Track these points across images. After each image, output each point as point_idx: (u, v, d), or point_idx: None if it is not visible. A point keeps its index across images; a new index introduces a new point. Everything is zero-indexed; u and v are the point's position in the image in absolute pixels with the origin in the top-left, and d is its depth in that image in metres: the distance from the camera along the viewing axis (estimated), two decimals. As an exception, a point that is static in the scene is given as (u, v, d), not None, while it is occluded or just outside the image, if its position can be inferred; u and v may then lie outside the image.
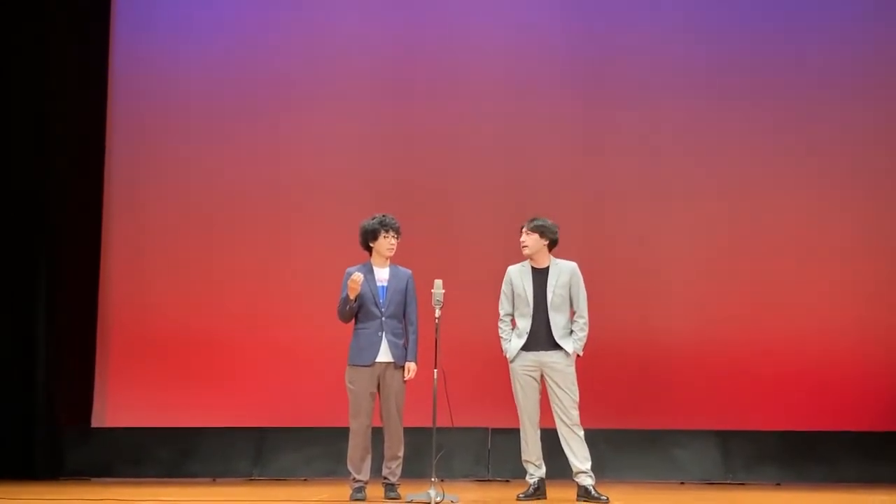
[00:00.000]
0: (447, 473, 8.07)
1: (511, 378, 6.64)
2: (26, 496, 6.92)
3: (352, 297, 6.44)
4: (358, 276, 6.40)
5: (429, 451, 6.27)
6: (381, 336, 6.51)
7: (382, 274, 6.61)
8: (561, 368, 6.51)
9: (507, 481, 8.22)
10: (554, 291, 6.56)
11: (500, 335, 6.70)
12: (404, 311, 6.61)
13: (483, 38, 9.19)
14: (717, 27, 9.13)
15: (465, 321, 8.05)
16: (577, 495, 6.50)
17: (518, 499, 6.51)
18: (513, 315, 6.67)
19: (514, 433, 6.76)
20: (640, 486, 7.99)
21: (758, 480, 8.37)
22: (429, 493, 6.09)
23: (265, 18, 9.35)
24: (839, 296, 8.76)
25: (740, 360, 8.71)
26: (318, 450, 8.57)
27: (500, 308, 6.73)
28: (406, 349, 6.58)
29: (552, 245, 6.65)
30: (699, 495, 7.31)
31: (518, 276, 6.66)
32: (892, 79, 8.96)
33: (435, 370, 6.27)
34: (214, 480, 8.45)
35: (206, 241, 9.07)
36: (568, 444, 6.50)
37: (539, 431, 6.60)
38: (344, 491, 6.69)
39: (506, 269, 6.77)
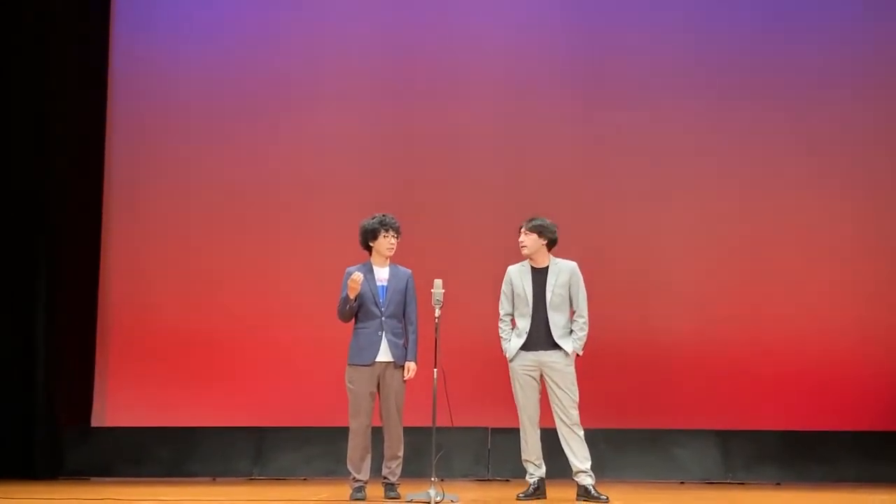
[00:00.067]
0: (447, 473, 8.08)
1: (511, 378, 6.64)
2: (26, 496, 6.93)
3: (352, 296, 6.44)
4: (358, 276, 6.40)
5: (428, 451, 6.28)
6: (381, 336, 6.51)
7: (382, 273, 6.61)
8: (560, 368, 6.51)
9: (507, 481, 8.22)
10: (553, 291, 6.56)
11: (500, 335, 6.70)
12: (404, 310, 6.61)
13: (483, 38, 9.20)
14: (717, 27, 9.14)
15: (465, 321, 8.06)
16: (577, 495, 6.50)
17: (518, 498, 6.51)
18: (513, 315, 6.68)
19: (513, 433, 6.77)
20: (640, 485, 7.99)
21: (758, 480, 8.38)
22: (428, 493, 6.09)
23: (265, 18, 9.35)
24: (839, 296, 8.77)
25: (740, 360, 8.71)
26: (317, 449, 8.58)
27: (500, 308, 6.74)
28: (406, 349, 6.58)
29: (551, 244, 6.65)
30: (699, 495, 7.32)
31: (518, 276, 6.66)
32: (892, 79, 8.98)
33: (435, 370, 6.27)
34: (214, 480, 8.45)
35: (206, 241, 9.07)
36: (568, 444, 6.51)
37: (539, 431, 6.60)
38: (344, 490, 6.69)
39: (506, 269, 6.77)
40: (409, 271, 6.71)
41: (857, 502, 6.77)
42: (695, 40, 9.14)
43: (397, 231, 6.61)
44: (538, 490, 6.57)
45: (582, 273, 6.67)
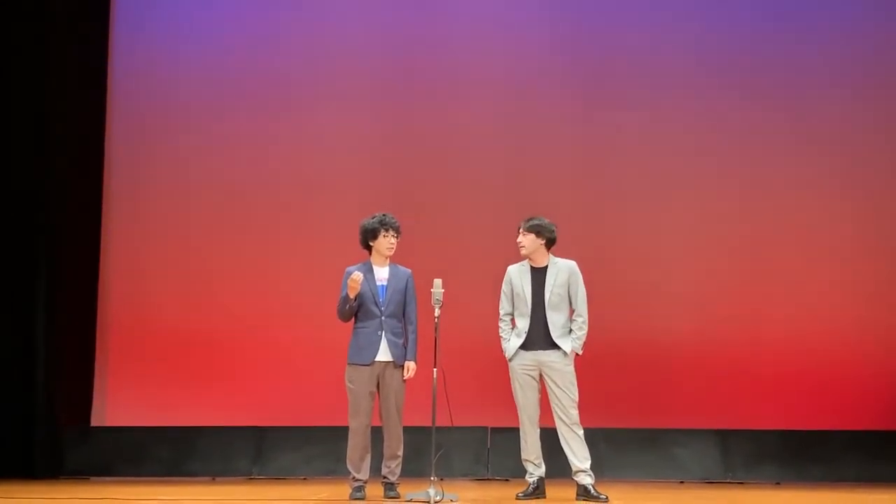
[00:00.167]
0: (447, 472, 8.08)
1: (510, 377, 6.63)
2: (26, 495, 6.92)
3: (351, 296, 6.44)
4: (358, 276, 6.40)
5: (428, 451, 6.27)
6: (381, 335, 6.51)
7: (382, 273, 6.61)
8: (559, 368, 6.50)
9: (507, 480, 8.22)
10: (552, 291, 6.56)
11: (500, 335, 6.70)
12: (404, 310, 6.61)
13: (483, 38, 9.20)
14: (717, 27, 9.15)
15: (465, 321, 8.06)
16: (577, 494, 6.49)
17: (517, 498, 6.51)
18: (513, 315, 6.67)
19: (513, 432, 6.76)
20: (639, 485, 7.99)
21: (757, 479, 8.38)
22: (428, 493, 6.09)
23: (265, 18, 9.36)
24: (839, 296, 8.77)
25: (740, 360, 8.72)
26: (317, 449, 8.58)
27: (500, 308, 6.74)
28: (405, 348, 6.58)
29: (550, 244, 6.64)
30: (699, 494, 7.31)
31: (517, 276, 6.66)
32: (892, 79, 8.99)
33: (434, 369, 6.27)
34: (214, 479, 8.45)
35: (206, 240, 9.08)
36: (567, 444, 6.50)
37: (539, 430, 6.60)
38: (343, 490, 6.69)
39: (506, 268, 6.77)
40: (409, 271, 6.70)
41: (856, 501, 6.77)
42: (695, 40, 9.14)
43: (397, 231, 6.61)
44: (538, 489, 6.56)
45: (582, 273, 6.65)
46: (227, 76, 9.26)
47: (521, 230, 6.64)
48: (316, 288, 8.55)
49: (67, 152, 8.98)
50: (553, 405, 6.53)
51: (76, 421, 8.78)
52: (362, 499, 6.43)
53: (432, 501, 6.04)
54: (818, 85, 9.02)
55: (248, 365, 8.85)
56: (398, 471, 6.58)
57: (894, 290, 8.76)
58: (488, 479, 8.43)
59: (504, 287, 6.72)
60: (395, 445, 6.54)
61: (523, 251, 6.63)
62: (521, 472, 6.71)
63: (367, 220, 6.62)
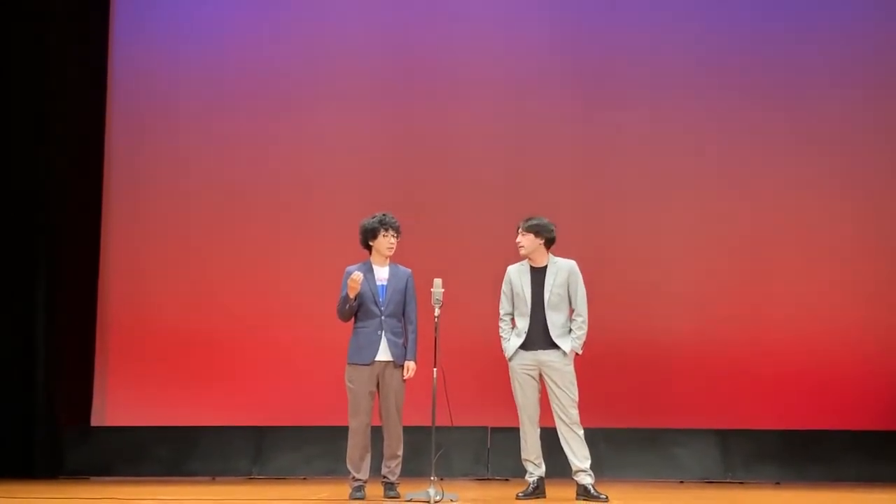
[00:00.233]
0: (446, 472, 8.09)
1: (510, 377, 6.63)
2: (26, 495, 6.92)
3: (351, 296, 6.44)
4: (358, 276, 6.40)
5: (428, 450, 6.27)
6: (381, 335, 6.51)
7: (382, 273, 6.61)
8: (559, 367, 6.50)
9: (507, 480, 8.22)
10: (551, 291, 6.56)
11: (500, 334, 6.70)
12: (404, 310, 6.61)
13: (483, 38, 9.20)
14: (717, 27, 9.15)
15: (465, 321, 8.06)
16: (577, 494, 6.49)
17: (517, 497, 6.50)
18: (513, 314, 6.67)
19: (513, 432, 6.76)
20: (639, 484, 7.99)
21: (757, 479, 8.38)
22: (428, 492, 6.08)
23: (265, 18, 9.36)
24: (839, 296, 8.77)
25: (740, 360, 8.73)
26: (317, 449, 8.58)
27: (500, 308, 6.73)
28: (405, 348, 6.57)
29: (549, 244, 6.63)
30: (699, 494, 7.31)
31: (517, 276, 6.66)
32: (893, 79, 8.98)
33: (434, 369, 6.27)
34: (214, 479, 8.45)
35: (206, 240, 9.08)
36: (567, 443, 6.50)
37: (539, 430, 6.59)
38: (343, 490, 6.69)
39: (506, 268, 6.76)
40: (409, 271, 6.70)
41: (856, 502, 6.77)
42: (695, 40, 9.14)
43: (397, 230, 6.60)
44: (538, 489, 6.55)
45: (582, 273, 6.63)
46: (227, 76, 9.27)
47: (519, 230, 6.64)
48: (316, 288, 8.55)
49: (67, 152, 8.99)
50: (553, 405, 6.53)
51: (76, 421, 8.78)
52: (362, 498, 6.43)
53: (432, 501, 6.04)
54: (818, 85, 9.02)
55: (248, 365, 8.85)
56: (398, 470, 6.58)
57: (894, 290, 8.76)
58: (488, 479, 8.43)
59: (504, 287, 6.72)
60: (394, 445, 6.53)
61: (522, 251, 6.63)
62: (521, 472, 6.71)
63: (367, 220, 6.62)
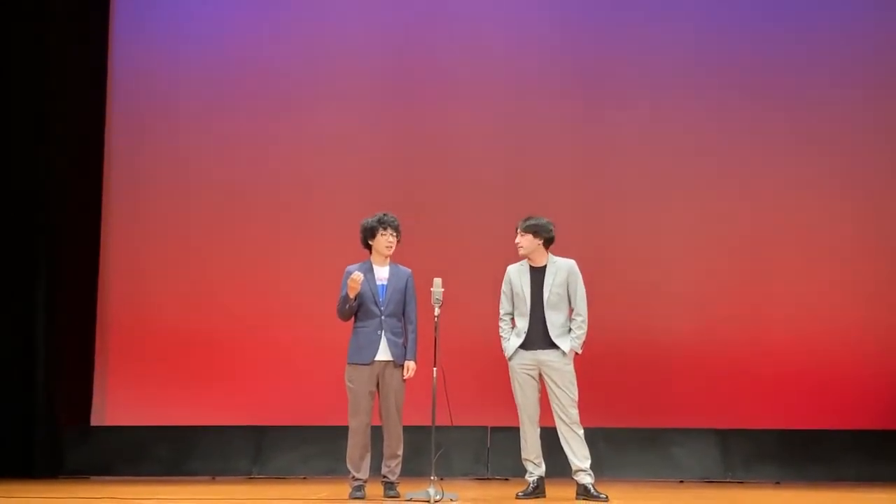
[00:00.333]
0: (446, 472, 8.09)
1: (510, 377, 6.63)
2: (26, 495, 6.92)
3: (351, 295, 6.44)
4: (358, 276, 6.40)
5: (428, 450, 6.27)
6: (381, 335, 6.51)
7: (382, 272, 6.61)
8: (558, 367, 6.50)
9: (507, 480, 8.22)
10: (551, 290, 6.56)
11: (500, 334, 6.70)
12: (403, 309, 6.61)
13: (483, 38, 9.20)
14: (717, 27, 9.15)
15: (465, 321, 8.07)
16: (577, 494, 6.49)
17: (517, 497, 6.50)
18: (513, 314, 6.67)
19: (513, 431, 6.76)
20: (639, 484, 7.99)
21: (757, 479, 8.38)
22: (428, 492, 6.08)
23: (265, 18, 9.36)
24: (839, 296, 8.78)
25: (740, 360, 8.73)
26: (317, 448, 8.58)
27: (500, 307, 6.73)
28: (405, 348, 6.58)
29: (548, 243, 6.63)
30: (699, 494, 7.30)
31: (517, 276, 6.66)
32: (893, 79, 8.98)
33: (434, 369, 6.27)
34: (214, 479, 8.45)
35: (206, 240, 9.08)
36: (567, 443, 6.50)
37: (538, 430, 6.59)
38: (343, 489, 6.69)
39: (506, 268, 6.76)
40: (409, 270, 6.70)
41: (856, 501, 6.77)
42: (695, 40, 9.15)
43: (396, 229, 6.60)
44: (537, 489, 6.56)
45: (582, 273, 6.64)
46: (227, 76, 9.27)
47: (518, 231, 6.64)
48: (316, 288, 8.55)
49: (67, 152, 8.98)
50: (553, 405, 6.53)
51: (76, 421, 8.78)
52: (362, 498, 6.43)
53: (432, 501, 6.04)
54: (818, 85, 9.02)
55: (248, 365, 8.85)
56: (398, 470, 6.58)
57: (894, 290, 8.76)
58: (488, 479, 8.43)
59: (504, 287, 6.72)
60: (394, 445, 6.53)
61: (521, 251, 6.63)
62: (520, 472, 6.71)
63: (367, 219, 6.63)
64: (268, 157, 9.15)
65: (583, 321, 6.57)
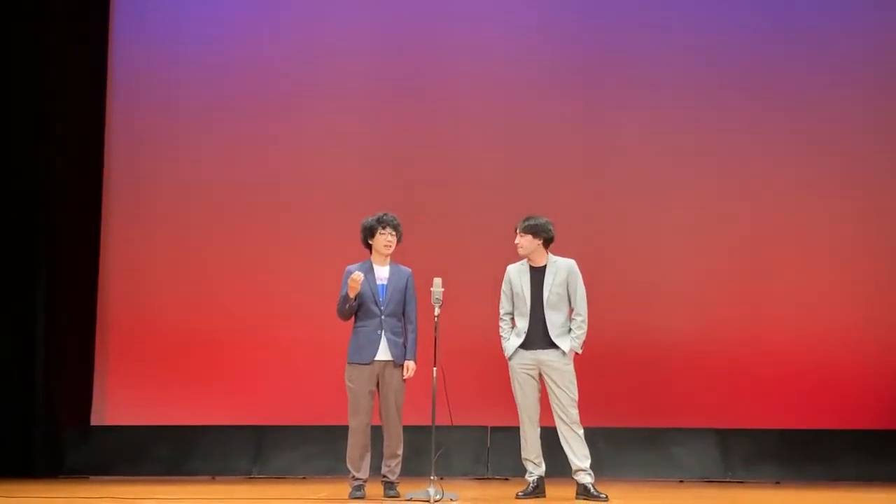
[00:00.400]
0: (446, 471, 8.09)
1: (510, 376, 6.63)
2: (26, 495, 6.91)
3: (351, 295, 6.44)
4: (358, 276, 6.40)
5: (428, 450, 6.27)
6: (381, 334, 6.51)
7: (382, 272, 6.61)
8: (558, 367, 6.50)
9: (507, 479, 8.22)
10: (550, 290, 6.56)
11: (500, 334, 6.70)
12: (404, 309, 6.61)
13: (483, 38, 9.20)
14: (717, 27, 9.16)
15: (465, 321, 8.07)
16: (577, 493, 6.49)
17: (517, 497, 6.50)
18: (513, 314, 6.67)
19: (513, 431, 6.76)
20: (639, 484, 7.99)
21: (757, 479, 8.38)
22: (428, 492, 6.08)
23: (265, 18, 9.36)
24: (839, 296, 8.78)
25: (740, 360, 8.73)
26: (317, 448, 8.58)
27: (500, 307, 6.73)
28: (405, 347, 6.58)
29: (548, 243, 6.63)
30: (698, 493, 7.30)
31: (517, 276, 6.66)
32: (893, 79, 8.99)
33: (434, 368, 6.27)
34: (214, 478, 8.45)
35: (206, 240, 9.08)
36: (567, 443, 6.50)
37: (538, 430, 6.59)
38: (343, 489, 6.69)
39: (506, 268, 6.76)
40: (410, 270, 6.70)
41: (856, 501, 6.77)
42: (695, 40, 9.15)
43: (395, 228, 6.60)
44: (537, 489, 6.56)
45: (581, 273, 6.63)
46: (227, 76, 9.27)
47: (517, 231, 6.63)
48: (316, 288, 8.55)
49: (67, 152, 8.98)
50: (553, 404, 6.53)
51: (76, 420, 8.78)
52: (362, 497, 6.43)
53: (432, 500, 6.04)
54: (818, 85, 9.03)
55: (248, 365, 8.85)
56: (398, 470, 6.58)
57: (894, 290, 8.77)
58: (488, 479, 8.42)
59: (504, 287, 6.72)
60: (394, 444, 6.53)
61: (521, 252, 6.63)
62: (520, 472, 6.71)
63: (367, 219, 6.64)
64: (268, 157, 9.15)
65: (583, 321, 6.57)
